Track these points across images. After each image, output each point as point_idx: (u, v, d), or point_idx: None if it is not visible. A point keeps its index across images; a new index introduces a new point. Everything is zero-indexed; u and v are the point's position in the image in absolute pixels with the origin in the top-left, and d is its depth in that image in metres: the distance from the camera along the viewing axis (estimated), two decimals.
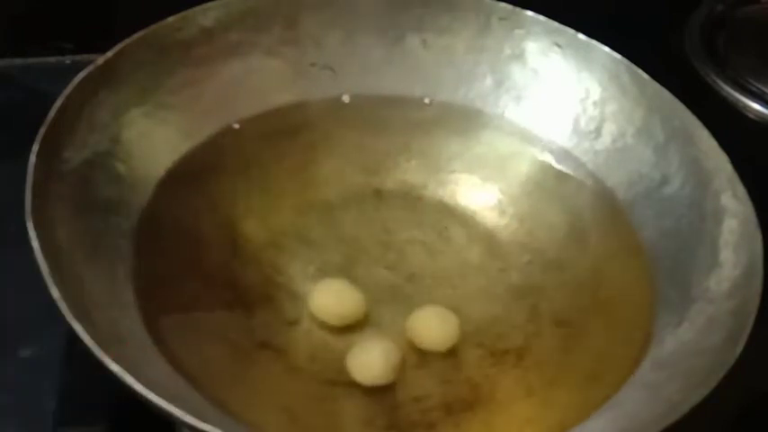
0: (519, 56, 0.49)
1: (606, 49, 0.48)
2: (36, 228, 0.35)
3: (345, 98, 0.49)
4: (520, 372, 0.40)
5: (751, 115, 0.56)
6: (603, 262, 0.44)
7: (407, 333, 0.41)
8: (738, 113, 0.57)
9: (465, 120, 0.49)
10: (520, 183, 0.48)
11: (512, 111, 0.49)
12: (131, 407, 0.33)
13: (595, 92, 0.48)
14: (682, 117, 0.45)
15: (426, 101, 0.49)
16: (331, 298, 0.41)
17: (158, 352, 0.37)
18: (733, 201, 0.42)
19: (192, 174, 0.44)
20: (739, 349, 0.36)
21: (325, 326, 0.41)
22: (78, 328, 0.33)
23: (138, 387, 0.32)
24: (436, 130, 0.49)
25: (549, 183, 0.48)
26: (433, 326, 0.41)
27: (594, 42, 0.48)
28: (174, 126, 0.45)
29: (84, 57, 0.48)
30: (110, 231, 0.40)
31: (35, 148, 0.38)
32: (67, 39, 0.55)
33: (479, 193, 0.47)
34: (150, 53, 0.45)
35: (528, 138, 0.49)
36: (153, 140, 0.44)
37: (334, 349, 0.40)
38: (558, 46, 0.49)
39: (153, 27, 0.45)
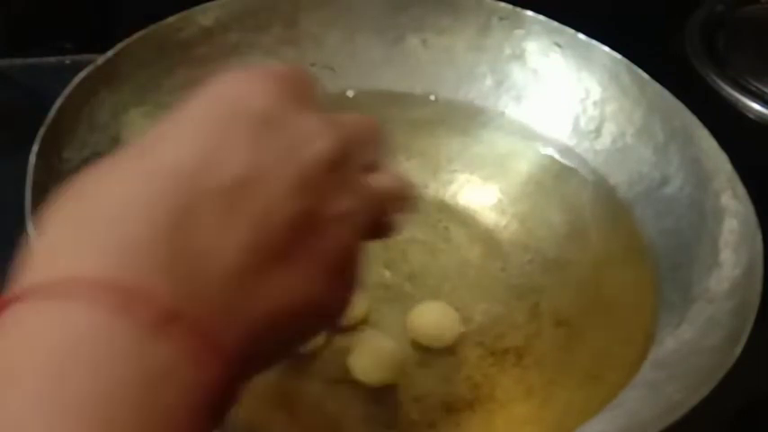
0: (519, 56, 0.49)
1: (606, 49, 0.48)
2: (36, 228, 0.35)
3: (350, 93, 0.49)
4: (520, 371, 0.40)
5: (751, 115, 0.56)
6: (604, 262, 0.44)
7: (408, 329, 0.41)
8: (738, 113, 0.57)
9: (465, 119, 0.49)
10: (520, 182, 0.48)
11: (512, 110, 0.49)
12: None
13: (595, 92, 0.48)
14: (682, 117, 0.45)
15: (432, 98, 0.49)
16: None
17: None
18: (733, 201, 0.42)
19: None
20: (739, 349, 0.36)
21: None
22: None
23: None
24: (436, 130, 0.49)
25: (550, 182, 0.48)
26: (432, 321, 0.41)
27: (594, 42, 0.48)
28: None
29: (84, 57, 0.48)
30: None
31: (35, 148, 0.38)
32: (67, 39, 0.55)
33: (480, 192, 0.47)
34: (150, 53, 0.45)
35: (528, 137, 0.49)
36: None
37: (334, 348, 0.40)
38: (558, 46, 0.49)
39: (153, 27, 0.45)
